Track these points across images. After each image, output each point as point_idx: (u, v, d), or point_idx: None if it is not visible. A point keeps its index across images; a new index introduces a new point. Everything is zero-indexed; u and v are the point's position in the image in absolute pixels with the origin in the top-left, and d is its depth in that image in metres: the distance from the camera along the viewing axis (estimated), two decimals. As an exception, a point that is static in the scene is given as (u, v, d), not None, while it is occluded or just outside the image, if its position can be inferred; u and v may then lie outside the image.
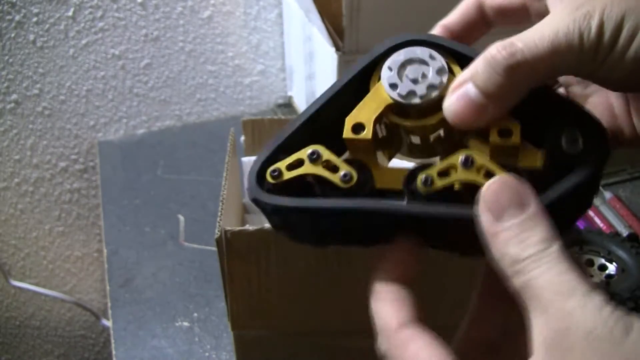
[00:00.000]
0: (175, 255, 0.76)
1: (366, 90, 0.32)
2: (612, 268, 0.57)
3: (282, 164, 0.32)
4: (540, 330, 0.25)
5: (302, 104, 0.98)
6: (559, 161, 0.30)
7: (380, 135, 0.34)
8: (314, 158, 0.31)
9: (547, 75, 0.30)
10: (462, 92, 0.29)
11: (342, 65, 0.74)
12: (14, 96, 0.91)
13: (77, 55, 0.92)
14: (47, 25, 0.89)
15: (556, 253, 0.26)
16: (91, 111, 0.97)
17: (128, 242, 0.79)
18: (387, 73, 0.32)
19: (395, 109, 0.32)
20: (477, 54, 0.30)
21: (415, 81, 0.31)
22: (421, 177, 0.30)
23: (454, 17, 0.36)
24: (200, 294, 0.71)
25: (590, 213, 0.71)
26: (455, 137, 0.33)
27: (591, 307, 0.24)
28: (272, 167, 0.32)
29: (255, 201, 0.32)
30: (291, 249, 0.47)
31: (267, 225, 0.46)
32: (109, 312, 0.70)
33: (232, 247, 0.46)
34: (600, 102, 0.34)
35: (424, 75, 0.31)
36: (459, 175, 0.30)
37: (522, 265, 0.26)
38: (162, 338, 0.66)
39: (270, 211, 0.32)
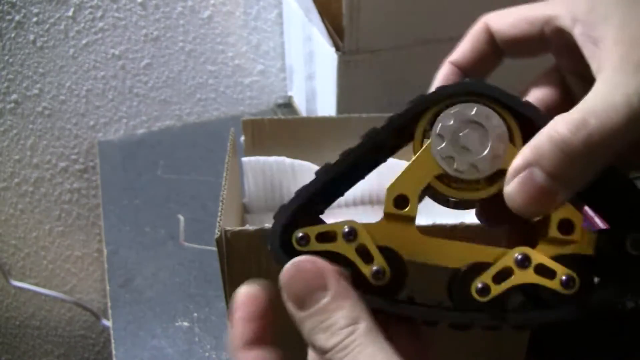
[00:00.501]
0: (175, 255, 0.76)
1: (407, 136, 0.29)
2: (612, 268, 0.57)
3: (311, 231, 0.29)
4: None
5: (302, 104, 0.98)
6: (618, 254, 0.28)
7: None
8: (350, 238, 0.28)
9: (623, 148, 0.26)
10: (526, 178, 0.26)
11: (342, 65, 0.74)
12: (14, 96, 0.91)
13: (77, 55, 0.92)
14: (47, 25, 0.89)
15: (362, 337, 0.25)
16: (91, 111, 0.97)
17: (128, 242, 0.79)
18: (439, 140, 0.28)
19: (442, 176, 0.29)
20: (543, 117, 0.27)
21: (471, 150, 0.28)
22: (477, 285, 0.28)
23: (464, 51, 0.33)
24: (200, 294, 0.71)
25: (590, 213, 0.71)
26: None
27: None
28: (299, 232, 0.29)
29: (274, 256, 0.30)
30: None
31: (267, 225, 0.46)
32: (109, 312, 0.70)
33: (232, 247, 0.46)
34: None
35: (482, 144, 0.28)
36: (517, 280, 0.28)
37: (331, 355, 0.25)
38: (162, 338, 0.66)
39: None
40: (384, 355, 0.24)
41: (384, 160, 0.30)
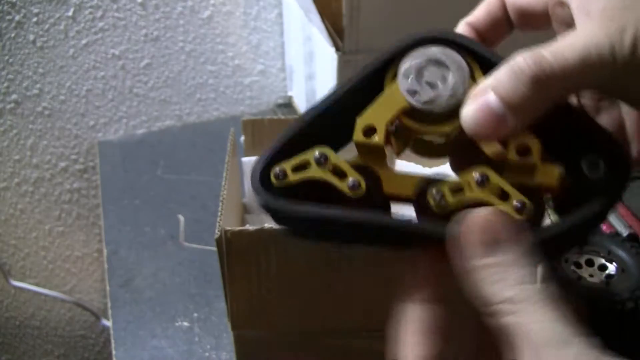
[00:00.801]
0: (175, 255, 0.76)
1: (380, 88, 0.31)
2: (612, 268, 0.57)
3: (287, 165, 0.30)
4: None
5: (302, 104, 0.98)
6: (578, 182, 0.29)
7: (389, 131, 0.32)
8: (321, 161, 0.30)
9: (574, 89, 0.28)
10: (482, 101, 0.28)
11: (342, 65, 0.74)
12: (14, 96, 0.91)
13: (77, 55, 0.92)
14: (47, 25, 0.89)
15: (548, 298, 0.25)
16: (91, 111, 0.97)
17: (128, 242, 0.79)
18: (404, 77, 0.30)
19: (409, 111, 0.30)
20: (501, 58, 0.29)
21: (434, 85, 0.30)
22: (432, 192, 0.29)
23: (479, 15, 0.34)
24: (200, 294, 0.71)
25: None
26: (469, 142, 0.31)
27: (585, 355, 0.24)
28: (276, 167, 0.30)
29: (265, 206, 0.30)
30: (291, 249, 0.47)
31: (267, 225, 0.46)
32: (109, 312, 0.70)
33: (232, 247, 0.46)
34: (611, 118, 0.34)
35: (443, 79, 0.30)
36: (473, 194, 0.29)
37: (507, 307, 0.25)
38: (162, 338, 0.66)
39: (277, 215, 0.30)
40: (564, 324, 0.24)
41: (361, 108, 0.31)
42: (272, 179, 0.30)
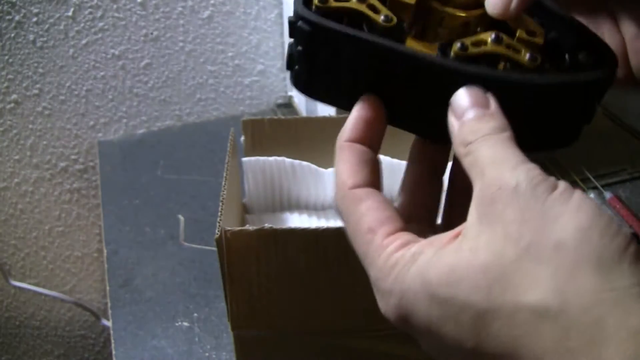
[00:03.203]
0: (175, 255, 0.76)
1: None
2: (612, 268, 0.57)
3: None
4: (476, 195, 0.27)
5: (302, 104, 0.98)
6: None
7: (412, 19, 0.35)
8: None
9: None
10: None
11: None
12: (14, 96, 0.91)
13: (77, 55, 0.92)
14: (47, 25, 0.89)
15: (503, 139, 0.28)
16: (91, 111, 0.97)
17: (128, 242, 0.79)
18: None
19: None
20: None
21: None
22: (457, 44, 0.32)
23: None
24: (200, 294, 0.71)
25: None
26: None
27: (521, 169, 0.26)
28: None
29: (300, 18, 0.33)
30: (291, 249, 0.47)
31: (267, 225, 0.46)
32: (109, 312, 0.70)
33: (232, 247, 0.46)
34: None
35: None
36: (490, 48, 0.32)
37: (472, 146, 0.28)
38: (162, 338, 0.66)
39: (308, 33, 0.33)
40: (512, 151, 0.28)
41: None
42: (316, 1, 0.33)
